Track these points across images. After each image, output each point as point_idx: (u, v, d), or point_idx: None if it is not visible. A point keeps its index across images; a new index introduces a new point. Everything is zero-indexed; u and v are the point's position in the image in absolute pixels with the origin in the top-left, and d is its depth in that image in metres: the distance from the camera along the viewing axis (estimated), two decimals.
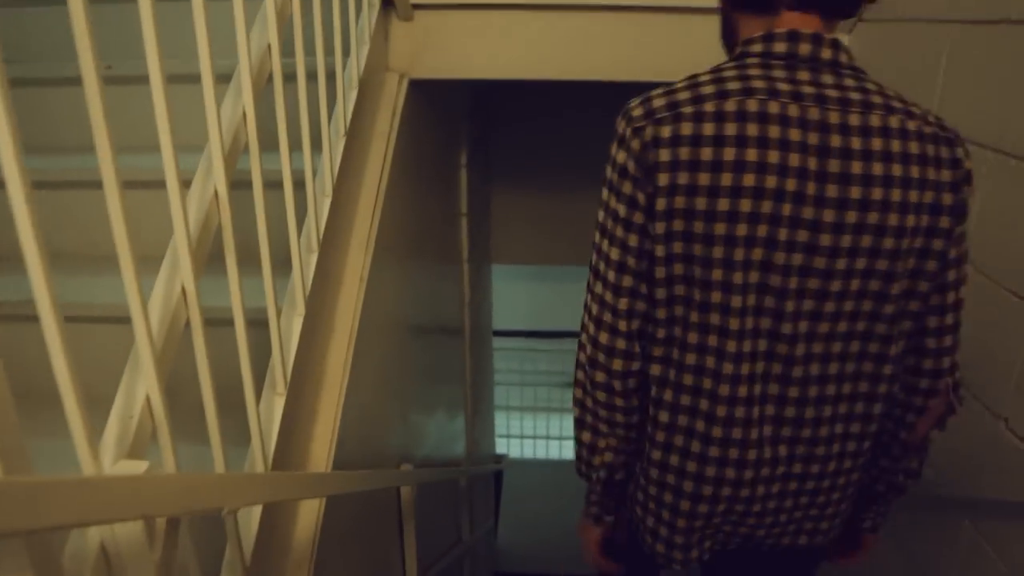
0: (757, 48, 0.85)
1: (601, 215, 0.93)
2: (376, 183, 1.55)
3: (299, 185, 1.13)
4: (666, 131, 0.83)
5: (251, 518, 0.93)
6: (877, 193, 0.82)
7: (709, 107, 0.82)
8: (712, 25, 1.77)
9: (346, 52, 1.42)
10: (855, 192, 0.82)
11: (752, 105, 0.81)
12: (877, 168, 0.82)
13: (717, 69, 0.87)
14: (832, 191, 0.82)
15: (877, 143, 0.82)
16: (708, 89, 0.84)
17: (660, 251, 0.88)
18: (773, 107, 0.81)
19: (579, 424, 1.06)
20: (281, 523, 1.09)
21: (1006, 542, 1.10)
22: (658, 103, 0.86)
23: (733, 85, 0.83)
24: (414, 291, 2.08)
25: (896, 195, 0.82)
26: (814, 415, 0.94)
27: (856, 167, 0.81)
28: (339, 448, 1.27)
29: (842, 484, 1.00)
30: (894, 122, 0.83)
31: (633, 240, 0.88)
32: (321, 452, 1.23)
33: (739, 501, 0.99)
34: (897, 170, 0.82)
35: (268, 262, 0.96)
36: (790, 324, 0.88)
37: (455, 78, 1.81)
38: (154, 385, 0.68)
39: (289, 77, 1.07)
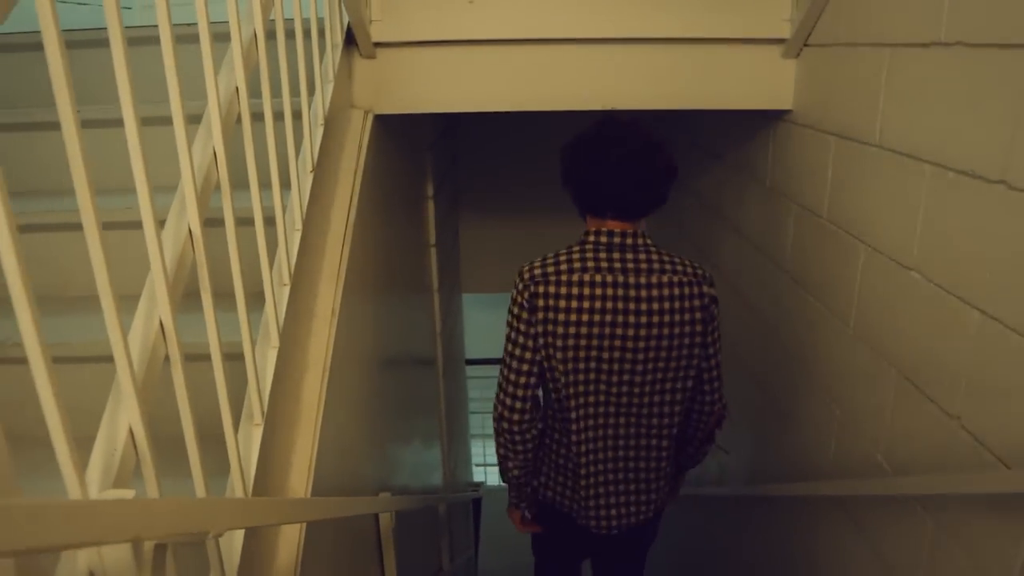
0: (592, 239, 1.53)
1: (509, 328, 1.57)
2: (344, 217, 1.58)
3: (270, 221, 1.16)
4: (541, 289, 1.50)
5: (233, 546, 0.94)
6: (656, 318, 1.50)
7: (564, 278, 1.50)
8: (666, 54, 1.85)
9: (312, 91, 1.46)
10: (644, 318, 1.50)
11: (587, 276, 1.49)
12: (655, 305, 1.50)
13: (569, 251, 1.53)
14: (632, 318, 1.50)
15: (655, 291, 1.50)
16: (564, 267, 1.50)
17: (550, 346, 1.53)
18: (598, 277, 1.49)
19: (497, 449, 1.71)
20: (261, 553, 1.10)
21: (967, 535, 1.15)
22: (537, 272, 1.52)
23: (577, 264, 1.50)
24: (386, 323, 2.10)
25: (667, 318, 1.50)
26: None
27: (644, 305, 1.49)
28: (317, 478, 1.28)
29: (661, 476, 1.72)
30: (664, 279, 1.51)
31: (530, 343, 1.54)
32: (299, 482, 1.25)
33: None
34: (667, 305, 1.50)
35: (242, 296, 0.98)
36: (630, 384, 1.56)
37: (418, 112, 1.86)
38: (137, 417, 0.70)
39: (257, 117, 1.11)
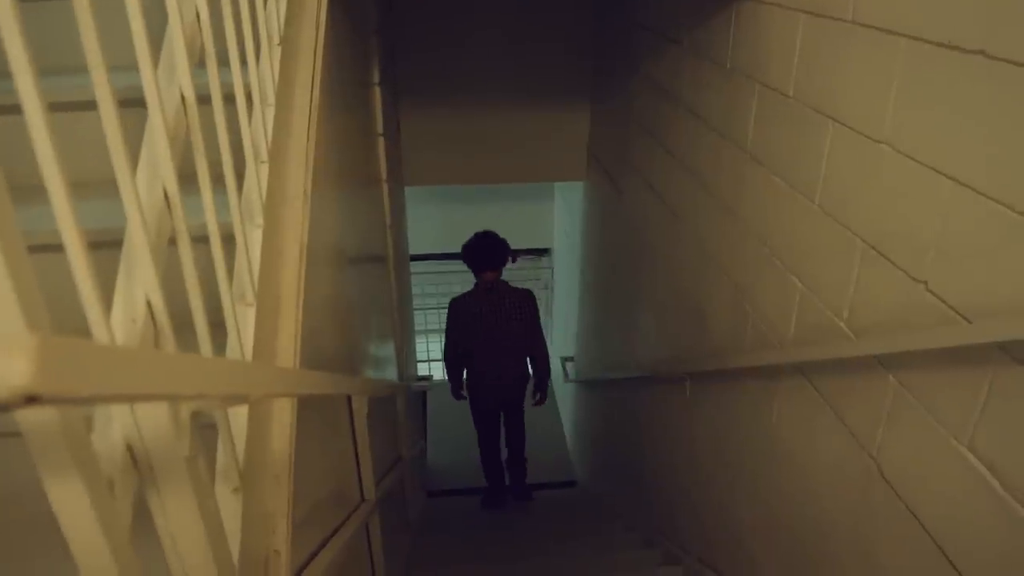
0: (480, 285, 3.83)
1: (447, 326, 3.94)
2: (308, 97, 1.50)
3: (231, 99, 1.09)
4: (459, 309, 3.86)
5: (240, 425, 0.94)
6: (509, 317, 3.86)
7: (465, 305, 3.85)
8: None
9: None
10: (504, 317, 3.85)
11: (477, 302, 3.83)
12: (508, 312, 3.85)
13: (470, 292, 3.89)
14: (500, 318, 3.84)
15: (508, 306, 3.85)
16: (468, 299, 3.85)
17: (464, 332, 3.90)
18: (483, 302, 3.83)
19: (445, 373, 4.13)
20: (256, 436, 1.10)
21: (927, 390, 1.23)
22: (459, 302, 3.87)
23: (473, 297, 3.85)
24: (347, 213, 2.05)
25: (514, 317, 3.87)
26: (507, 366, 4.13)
27: (504, 311, 3.84)
28: (301, 365, 1.27)
29: (520, 381, 4.21)
30: (512, 300, 3.86)
31: (455, 333, 3.89)
32: (287, 367, 1.23)
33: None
34: (513, 311, 3.85)
35: (231, 170, 0.94)
36: (499, 345, 3.92)
37: None
38: (154, 285, 0.67)
39: None
